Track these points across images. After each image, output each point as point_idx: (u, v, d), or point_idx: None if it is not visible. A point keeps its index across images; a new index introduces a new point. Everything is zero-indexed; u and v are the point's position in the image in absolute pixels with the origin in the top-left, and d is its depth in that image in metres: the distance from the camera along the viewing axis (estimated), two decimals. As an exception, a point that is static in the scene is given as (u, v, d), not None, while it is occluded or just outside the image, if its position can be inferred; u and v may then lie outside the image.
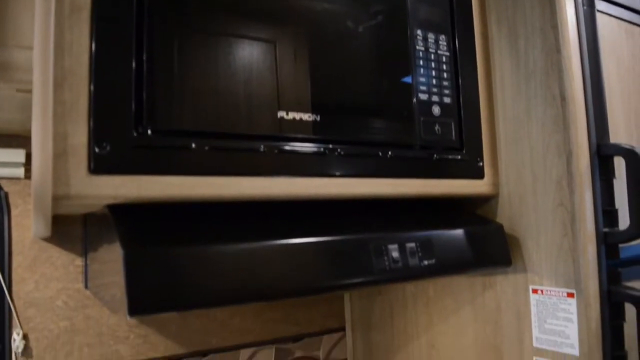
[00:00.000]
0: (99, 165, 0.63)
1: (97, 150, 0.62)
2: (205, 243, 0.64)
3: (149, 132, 0.65)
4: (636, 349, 0.90)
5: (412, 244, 0.79)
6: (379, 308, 1.31)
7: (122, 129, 0.64)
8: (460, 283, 1.07)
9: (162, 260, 0.60)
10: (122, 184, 0.64)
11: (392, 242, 0.77)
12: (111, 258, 0.81)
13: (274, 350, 1.30)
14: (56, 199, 0.61)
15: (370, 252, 0.74)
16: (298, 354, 1.33)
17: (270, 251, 0.67)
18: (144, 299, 0.58)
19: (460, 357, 1.08)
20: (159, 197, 0.66)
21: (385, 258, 0.75)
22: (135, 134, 0.64)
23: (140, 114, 0.65)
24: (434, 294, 1.14)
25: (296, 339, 1.33)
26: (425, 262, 0.79)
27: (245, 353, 1.26)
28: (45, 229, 0.67)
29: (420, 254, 0.79)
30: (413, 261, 0.78)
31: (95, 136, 0.63)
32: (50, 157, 0.60)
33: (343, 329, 1.41)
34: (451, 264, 0.84)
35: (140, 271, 0.59)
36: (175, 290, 0.60)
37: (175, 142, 0.67)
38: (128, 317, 0.57)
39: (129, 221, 0.67)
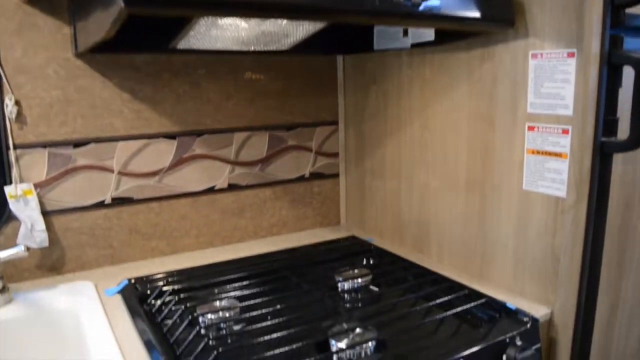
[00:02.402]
0: None
1: None
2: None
3: None
4: (628, 116, 0.91)
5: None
6: (373, 99, 1.30)
7: None
8: (458, 58, 1.06)
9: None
10: None
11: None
12: (98, 27, 0.78)
13: (267, 136, 1.31)
14: None
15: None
16: (291, 142, 1.35)
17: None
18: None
19: (452, 134, 1.10)
20: None
21: (388, -11, 0.72)
22: None
23: None
24: (431, 75, 1.13)
25: (289, 127, 1.34)
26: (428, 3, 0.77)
27: (239, 136, 1.27)
28: None
29: (423, -7, 0.76)
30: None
31: None
32: None
33: (336, 122, 1.42)
34: (453, 13, 0.81)
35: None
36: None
37: None
38: (122, 5, 0.55)
39: None
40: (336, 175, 1.44)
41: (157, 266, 1.16)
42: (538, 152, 0.94)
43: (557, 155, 0.92)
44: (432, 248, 1.20)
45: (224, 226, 1.29)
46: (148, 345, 0.82)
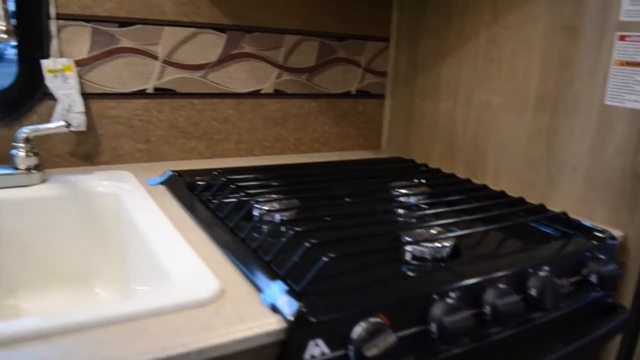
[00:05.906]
0: None
1: None
2: None
3: None
4: None
5: None
6: (432, 14, 1.23)
7: None
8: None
9: None
10: None
11: None
12: None
13: (318, 43, 1.23)
14: None
15: None
16: (341, 54, 1.27)
17: None
18: None
19: (524, 47, 1.03)
20: None
21: None
22: None
23: None
24: (506, -16, 1.06)
25: (341, 38, 1.26)
26: None
27: (290, 39, 1.19)
28: None
29: None
30: None
31: None
32: None
33: (387, 39, 1.34)
34: None
35: None
36: None
37: None
38: None
39: None
40: (382, 96, 1.37)
41: (197, 166, 1.09)
42: (628, 64, 0.88)
43: (652, 65, 0.86)
44: (487, 172, 1.14)
45: (266, 135, 1.22)
46: (207, 225, 0.75)
